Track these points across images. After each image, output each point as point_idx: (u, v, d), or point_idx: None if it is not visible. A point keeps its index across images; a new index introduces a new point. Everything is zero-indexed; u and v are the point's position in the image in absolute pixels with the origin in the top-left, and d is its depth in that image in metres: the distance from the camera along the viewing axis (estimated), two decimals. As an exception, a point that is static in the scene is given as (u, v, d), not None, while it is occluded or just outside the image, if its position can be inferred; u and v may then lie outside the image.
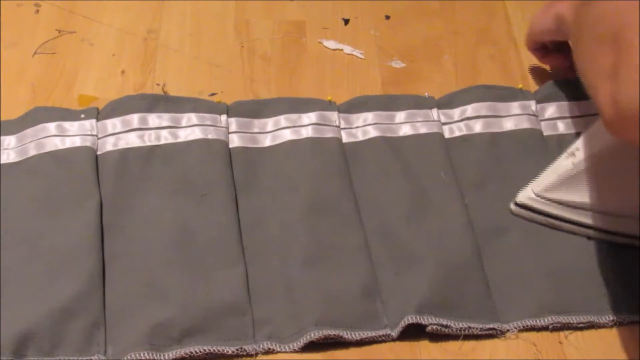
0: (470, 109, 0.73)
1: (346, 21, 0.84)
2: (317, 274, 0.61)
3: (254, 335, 0.58)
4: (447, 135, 0.72)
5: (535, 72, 0.80)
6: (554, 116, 0.73)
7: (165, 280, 0.60)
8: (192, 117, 0.70)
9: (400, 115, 0.73)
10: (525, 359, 0.59)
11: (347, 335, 0.58)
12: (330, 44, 0.81)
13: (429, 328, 0.59)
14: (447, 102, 0.74)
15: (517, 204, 0.66)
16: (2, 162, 0.67)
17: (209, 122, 0.70)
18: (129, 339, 0.57)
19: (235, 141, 0.70)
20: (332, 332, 0.58)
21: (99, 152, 0.68)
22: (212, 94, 0.75)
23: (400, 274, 0.62)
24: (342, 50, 0.81)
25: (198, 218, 0.64)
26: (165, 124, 0.70)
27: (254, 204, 0.66)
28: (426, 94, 0.75)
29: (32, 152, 0.67)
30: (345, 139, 0.71)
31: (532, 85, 0.78)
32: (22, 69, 0.76)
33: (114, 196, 0.65)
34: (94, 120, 0.69)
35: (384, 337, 0.59)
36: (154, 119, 0.70)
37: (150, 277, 0.60)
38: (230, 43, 0.80)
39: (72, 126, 0.69)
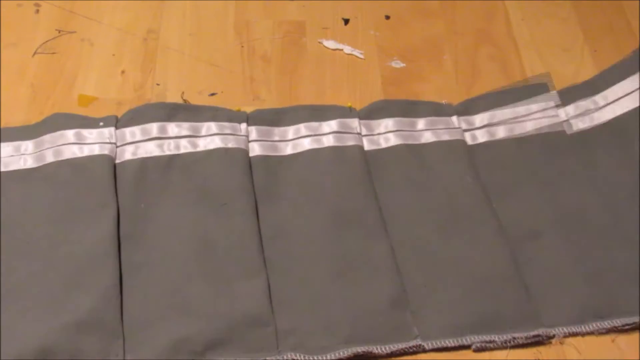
0: (489, 115, 0.73)
1: (346, 21, 0.84)
2: (344, 287, 0.60)
3: (277, 346, 0.58)
4: (469, 142, 0.71)
5: (534, 72, 0.80)
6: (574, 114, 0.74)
7: (187, 291, 0.59)
8: (211, 126, 0.70)
9: (421, 122, 0.72)
10: (525, 359, 0.59)
11: (377, 349, 0.57)
12: (330, 44, 0.81)
13: (474, 347, 0.58)
14: (466, 109, 0.74)
15: None
16: (20, 167, 0.66)
17: (228, 131, 0.69)
18: (150, 352, 0.56)
19: (255, 150, 0.69)
20: (362, 349, 0.57)
21: (117, 161, 0.67)
22: (212, 94, 0.75)
23: (431, 284, 0.61)
24: (342, 50, 0.81)
25: (218, 227, 0.63)
26: (184, 133, 0.69)
27: (275, 214, 0.65)
28: (444, 101, 0.75)
29: (50, 159, 0.66)
30: (366, 146, 0.70)
31: (532, 85, 0.78)
32: (22, 69, 0.76)
33: (133, 205, 0.64)
34: (112, 128, 0.69)
35: (414, 348, 0.58)
36: (173, 128, 0.69)
37: (171, 288, 0.60)
38: (230, 43, 0.80)
39: (90, 134, 0.68)
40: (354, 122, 0.71)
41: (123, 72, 0.77)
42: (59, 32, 0.80)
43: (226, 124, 0.70)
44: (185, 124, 0.70)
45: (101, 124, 0.69)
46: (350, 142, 0.70)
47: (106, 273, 0.60)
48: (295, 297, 0.60)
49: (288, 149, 0.70)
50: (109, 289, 0.59)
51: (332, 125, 0.71)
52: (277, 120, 0.72)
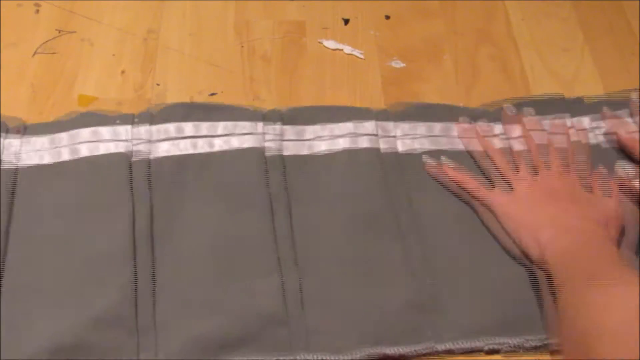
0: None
1: (346, 21, 0.84)
2: (361, 288, 0.61)
3: (293, 346, 0.57)
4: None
5: (534, 72, 0.80)
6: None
7: (205, 290, 0.60)
8: (228, 126, 0.70)
9: (437, 127, 0.72)
10: (525, 359, 0.59)
11: (391, 351, 0.57)
12: (330, 44, 0.81)
13: (486, 348, 0.58)
14: (481, 114, 0.74)
15: None
16: (37, 163, 0.67)
17: (245, 131, 0.70)
18: (167, 350, 0.57)
19: (272, 149, 0.69)
20: (376, 351, 0.57)
21: (133, 159, 0.67)
22: (212, 94, 0.75)
23: (449, 287, 0.61)
24: (342, 50, 0.81)
25: (235, 227, 0.63)
26: (201, 132, 0.69)
27: (292, 214, 0.65)
28: (461, 103, 0.75)
29: (67, 157, 0.67)
30: (383, 148, 0.70)
31: (532, 85, 0.78)
32: (22, 69, 0.76)
33: (150, 204, 0.64)
34: (129, 127, 0.69)
35: (428, 350, 0.58)
36: (190, 127, 0.69)
37: (191, 286, 0.60)
38: (230, 43, 0.80)
39: (107, 132, 0.68)
40: (372, 124, 0.71)
41: (123, 72, 0.77)
42: (59, 32, 0.80)
43: (244, 123, 0.70)
44: (204, 124, 0.70)
45: (117, 122, 0.69)
46: (367, 144, 0.70)
47: (124, 271, 0.60)
48: (311, 297, 0.60)
49: (305, 150, 0.70)
50: (127, 287, 0.59)
51: (349, 126, 0.71)
52: (295, 119, 0.72)
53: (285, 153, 0.69)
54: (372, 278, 0.61)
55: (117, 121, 0.69)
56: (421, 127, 0.72)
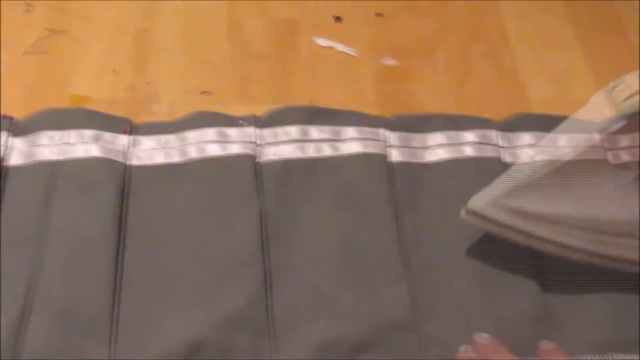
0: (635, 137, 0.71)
1: (338, 19, 0.84)
2: (488, 297, 0.60)
3: (422, 353, 0.57)
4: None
5: (527, 69, 0.80)
6: None
7: (332, 293, 0.59)
8: (352, 131, 0.70)
9: (562, 139, 0.71)
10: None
11: None
12: (322, 41, 0.81)
13: None
14: (607, 127, 0.72)
15: (468, 211, 0.62)
16: (164, 162, 0.67)
17: (368, 136, 0.70)
18: (297, 353, 0.56)
19: (395, 155, 0.69)
20: None
21: (258, 161, 0.67)
22: (205, 92, 0.75)
23: (576, 302, 0.60)
24: (334, 48, 0.81)
25: (360, 232, 0.63)
26: (325, 136, 0.69)
27: (415, 221, 0.65)
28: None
29: (194, 156, 0.67)
30: (506, 158, 0.70)
31: (526, 83, 0.78)
32: (14, 69, 0.75)
33: (275, 206, 0.64)
34: (253, 128, 0.69)
35: None
36: (314, 131, 0.70)
37: (317, 290, 0.59)
38: (223, 41, 0.80)
39: (232, 132, 0.69)
40: (493, 134, 0.71)
41: (115, 71, 0.76)
42: (50, 31, 0.79)
43: (366, 128, 0.70)
44: (327, 128, 0.70)
45: (242, 122, 0.70)
46: (490, 154, 0.69)
47: (255, 272, 0.60)
48: (437, 305, 0.60)
49: (427, 157, 0.69)
50: (259, 288, 0.59)
51: (471, 135, 0.71)
52: (416, 126, 0.71)
53: (405, 160, 0.69)
54: (499, 288, 0.61)
55: (242, 122, 0.69)
56: (544, 138, 0.71)
